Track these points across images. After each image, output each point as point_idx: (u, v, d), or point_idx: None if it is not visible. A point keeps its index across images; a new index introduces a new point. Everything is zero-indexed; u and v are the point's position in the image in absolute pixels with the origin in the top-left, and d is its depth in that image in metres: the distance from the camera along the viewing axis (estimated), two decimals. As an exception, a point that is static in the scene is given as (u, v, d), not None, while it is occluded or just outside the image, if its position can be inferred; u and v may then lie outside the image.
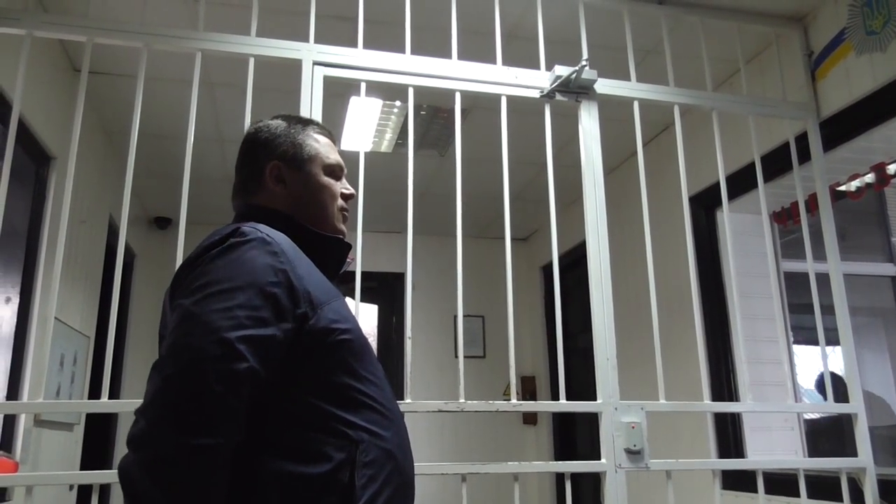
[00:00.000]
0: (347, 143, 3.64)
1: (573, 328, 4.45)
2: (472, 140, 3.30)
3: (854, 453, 2.26)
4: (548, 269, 4.77)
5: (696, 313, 2.29)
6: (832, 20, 2.52)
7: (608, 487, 1.97)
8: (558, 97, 2.26)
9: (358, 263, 1.99)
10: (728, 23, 2.56)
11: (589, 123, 2.28)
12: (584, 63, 2.20)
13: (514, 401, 2.03)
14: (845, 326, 2.37)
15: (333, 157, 1.32)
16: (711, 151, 2.44)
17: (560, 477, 4.31)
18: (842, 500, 2.20)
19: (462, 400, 1.95)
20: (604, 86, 2.32)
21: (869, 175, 2.56)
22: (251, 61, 2.07)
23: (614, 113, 2.45)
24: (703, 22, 2.51)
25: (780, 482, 2.30)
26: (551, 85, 2.24)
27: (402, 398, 1.84)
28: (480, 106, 3.23)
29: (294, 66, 2.09)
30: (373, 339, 5.18)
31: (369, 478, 1.00)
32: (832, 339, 2.43)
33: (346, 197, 1.33)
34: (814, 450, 3.04)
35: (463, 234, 2.12)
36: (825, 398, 2.31)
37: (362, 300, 2.00)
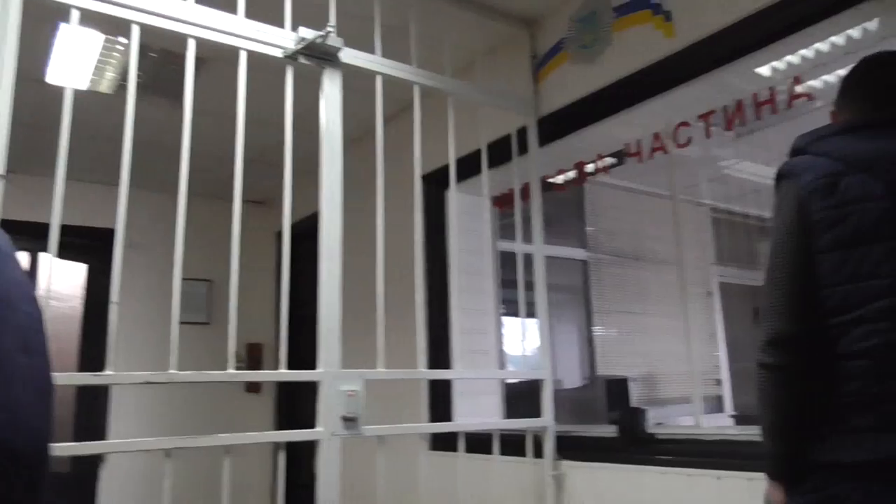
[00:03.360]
0: (55, 77, 3.15)
1: (305, 296, 4.43)
2: (209, 93, 3.06)
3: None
4: (279, 236, 4.67)
5: (419, 286, 2.41)
6: (555, 29, 2.81)
7: (322, 454, 2.01)
8: (302, 60, 2.20)
9: (55, 214, 1.73)
10: (469, 14, 2.71)
11: (331, 91, 2.26)
12: (329, 29, 2.16)
13: (230, 370, 1.95)
14: (542, 301, 2.69)
15: None
16: (446, 134, 2.57)
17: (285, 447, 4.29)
18: (526, 455, 2.52)
19: (173, 370, 1.82)
20: (349, 55, 2.30)
21: (572, 171, 2.91)
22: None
23: (361, 84, 2.46)
24: (448, 9, 2.62)
25: (481, 442, 2.53)
26: (296, 46, 2.17)
27: (101, 369, 1.67)
28: (221, 58, 3.01)
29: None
30: (77, 302, 4.61)
31: None
32: (533, 312, 2.73)
33: None
34: (514, 412, 3.42)
35: (195, 194, 1.98)
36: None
37: (67, 258, 1.76)
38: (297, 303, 4.29)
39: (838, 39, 2.10)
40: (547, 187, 3.07)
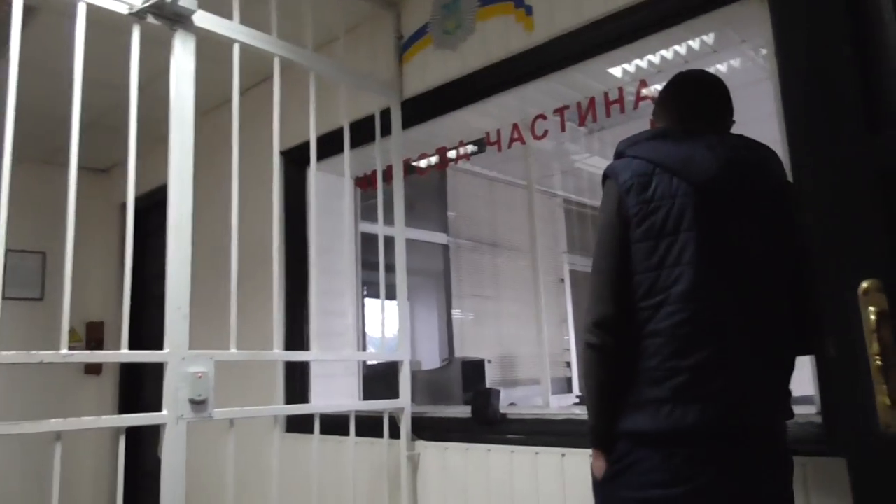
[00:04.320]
0: None
1: (152, 273, 4.17)
2: (41, 47, 2.78)
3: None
4: (125, 207, 4.31)
5: (276, 266, 2.34)
6: (420, 12, 2.82)
7: (167, 439, 1.90)
8: (150, 20, 2.05)
9: None
10: (334, -11, 2.65)
11: (183, 57, 2.12)
12: (183, -12, 2.03)
13: (63, 350, 1.79)
14: (402, 284, 2.71)
15: None
16: (307, 110, 2.50)
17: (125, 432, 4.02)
18: (383, 436, 2.54)
19: (-11, 352, 1.63)
20: (204, 19, 2.17)
21: (434, 156, 2.95)
22: None
23: (217, 52, 2.33)
24: (312, -19, 2.55)
25: (337, 423, 2.50)
26: (143, 4, 2.02)
27: None
28: (55, 9, 2.74)
29: None
30: None
31: None
32: (394, 295, 2.75)
33: None
34: (373, 394, 3.42)
35: (26, 158, 1.79)
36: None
37: None
38: (143, 280, 4.05)
39: (680, 49, 2.28)
40: (410, 170, 3.09)
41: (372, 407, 2.56)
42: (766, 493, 1.41)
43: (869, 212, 1.05)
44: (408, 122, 2.82)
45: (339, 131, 2.67)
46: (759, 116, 2.20)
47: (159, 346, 1.96)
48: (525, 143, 2.62)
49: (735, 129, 1.63)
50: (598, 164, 4.27)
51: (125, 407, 4.32)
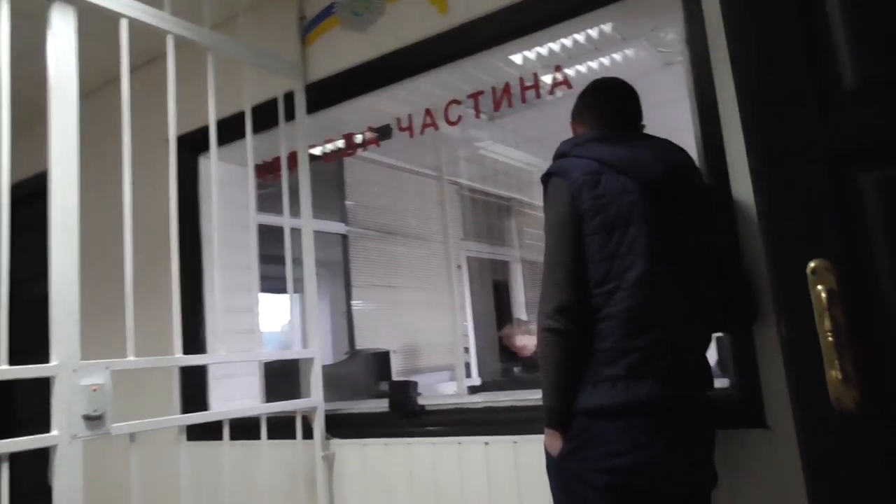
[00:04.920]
0: None
1: (22, 274, 3.75)
2: None
3: (302, 393, 2.49)
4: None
5: (174, 262, 2.15)
6: (325, -8, 2.67)
7: (59, 462, 1.69)
8: (22, -12, 1.80)
9: None
10: (231, -37, 2.46)
11: (63, 32, 1.88)
12: (60, -46, 1.79)
13: (-71, 370, 1.54)
14: (310, 277, 2.59)
15: None
16: (204, 92, 2.31)
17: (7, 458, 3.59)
18: (295, 437, 2.42)
19: None
20: (85, -10, 1.94)
21: (340, 141, 2.82)
22: None
23: (100, 28, 2.08)
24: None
25: (244, 427, 2.34)
26: (13, -31, 1.76)
27: None
28: None
29: None
30: None
31: None
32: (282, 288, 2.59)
33: None
34: (272, 392, 3.26)
35: None
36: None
37: None
38: (12, 283, 3.63)
39: (593, 33, 2.30)
40: (312, 158, 2.94)
41: (284, 408, 2.41)
42: (701, 455, 1.57)
43: (817, 193, 1.07)
44: (313, 107, 2.67)
45: (238, 116, 2.49)
46: (664, 101, 2.27)
47: (37, 359, 1.73)
48: (438, 128, 2.56)
49: (645, 111, 1.74)
50: (502, 151, 4.29)
51: (-9, 425, 3.87)
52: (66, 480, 1.69)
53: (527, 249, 6.67)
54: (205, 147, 2.45)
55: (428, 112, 2.57)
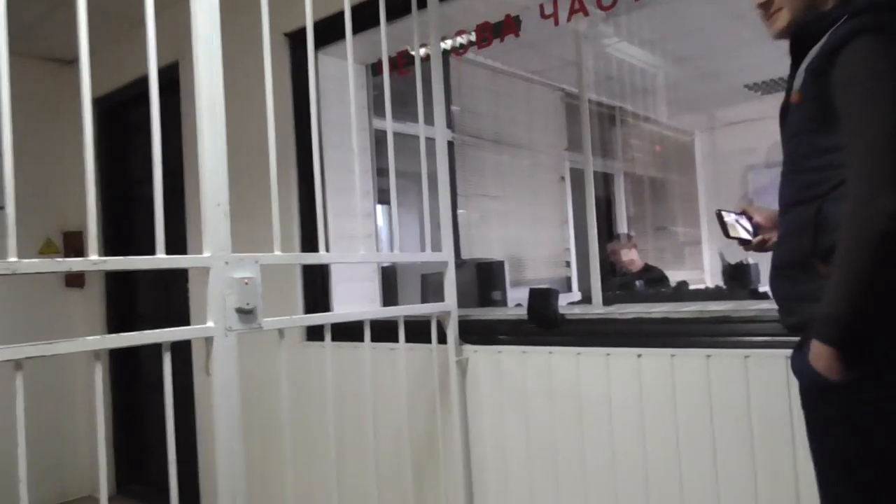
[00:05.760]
0: None
1: (137, 175, 3.79)
2: None
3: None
4: (105, 102, 3.82)
5: (316, 164, 2.05)
6: None
7: (216, 355, 1.67)
8: None
9: None
10: None
11: None
12: None
13: (93, 257, 1.51)
14: (444, 183, 2.47)
15: None
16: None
17: (116, 353, 3.75)
18: (430, 341, 2.36)
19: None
20: None
21: (472, 34, 2.62)
22: None
23: None
24: None
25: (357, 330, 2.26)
26: None
27: None
28: None
29: None
30: None
31: None
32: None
33: None
34: (386, 298, 3.22)
35: None
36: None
37: None
38: (128, 184, 3.68)
39: None
40: (408, 59, 2.72)
41: (419, 311, 2.35)
42: None
43: None
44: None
45: (360, 7, 2.31)
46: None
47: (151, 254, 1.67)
48: (588, 14, 2.30)
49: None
50: (626, 50, 3.97)
51: (117, 321, 4.04)
52: (224, 372, 1.67)
53: (630, 163, 6.35)
54: (322, 41, 2.28)
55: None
